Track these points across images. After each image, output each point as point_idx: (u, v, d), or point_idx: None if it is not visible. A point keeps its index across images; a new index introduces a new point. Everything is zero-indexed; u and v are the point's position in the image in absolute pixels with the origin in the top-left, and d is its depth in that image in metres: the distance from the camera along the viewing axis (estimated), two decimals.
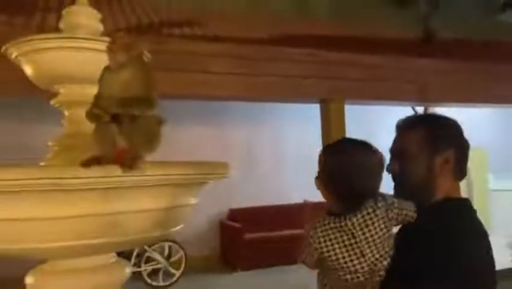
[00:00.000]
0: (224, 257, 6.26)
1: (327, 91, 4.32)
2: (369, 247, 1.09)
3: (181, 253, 5.24)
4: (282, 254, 6.00)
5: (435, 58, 4.92)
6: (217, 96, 4.12)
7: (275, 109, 6.57)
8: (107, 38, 1.32)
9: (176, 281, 5.14)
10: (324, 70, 4.29)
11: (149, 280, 5.00)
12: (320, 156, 1.20)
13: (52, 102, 1.70)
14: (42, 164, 1.61)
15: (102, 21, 1.70)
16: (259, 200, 6.63)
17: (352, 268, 1.09)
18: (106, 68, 1.18)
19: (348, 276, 1.10)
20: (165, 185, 1.45)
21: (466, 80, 5.28)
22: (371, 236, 1.09)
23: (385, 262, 1.10)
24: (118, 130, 1.17)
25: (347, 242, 1.10)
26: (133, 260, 4.91)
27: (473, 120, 7.44)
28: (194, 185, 1.62)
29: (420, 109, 6.79)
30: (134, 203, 1.39)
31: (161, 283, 5.07)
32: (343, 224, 1.12)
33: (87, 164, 1.16)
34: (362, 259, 1.09)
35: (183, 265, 5.19)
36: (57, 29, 1.71)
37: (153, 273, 5.08)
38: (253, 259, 5.83)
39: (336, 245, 1.12)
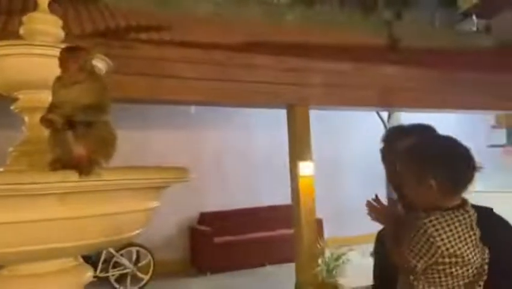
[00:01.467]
0: (194, 261, 6.26)
1: (293, 97, 4.43)
2: (479, 239, 1.11)
3: (149, 257, 5.21)
4: (251, 257, 6.08)
5: (398, 65, 5.10)
6: (186, 101, 4.16)
7: (245, 113, 6.63)
8: (64, 46, 1.34)
9: (144, 286, 5.10)
10: (291, 77, 4.39)
11: (116, 285, 4.96)
12: (427, 154, 1.15)
13: (12, 108, 1.70)
14: (1, 169, 1.61)
15: (64, 27, 1.71)
16: (230, 204, 6.66)
17: (473, 261, 1.09)
18: (60, 78, 1.20)
19: (470, 271, 1.10)
20: (124, 190, 1.48)
21: (427, 87, 5.49)
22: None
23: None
24: (74, 136, 1.20)
25: (467, 235, 1.09)
26: (100, 265, 4.86)
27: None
28: (153, 189, 1.65)
29: (385, 114, 7.02)
30: (92, 208, 1.41)
31: (129, 288, 5.03)
32: (461, 217, 1.10)
33: (53, 166, 1.19)
34: (477, 250, 1.10)
35: (151, 270, 5.16)
36: (18, 34, 1.72)
37: (121, 278, 5.04)
38: (223, 262, 5.85)
39: (462, 238, 1.08)
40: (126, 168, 1.55)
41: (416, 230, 1.09)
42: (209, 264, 5.87)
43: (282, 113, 4.71)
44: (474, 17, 7.95)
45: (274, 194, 6.56)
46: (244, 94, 4.20)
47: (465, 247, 1.08)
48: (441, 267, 1.09)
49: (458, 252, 1.07)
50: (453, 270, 1.09)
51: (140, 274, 5.13)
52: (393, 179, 1.31)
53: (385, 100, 5.00)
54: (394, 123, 6.91)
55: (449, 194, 1.12)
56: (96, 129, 1.21)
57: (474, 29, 8.38)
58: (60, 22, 1.67)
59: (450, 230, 1.08)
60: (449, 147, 1.15)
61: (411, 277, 1.13)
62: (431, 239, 1.07)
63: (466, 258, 1.08)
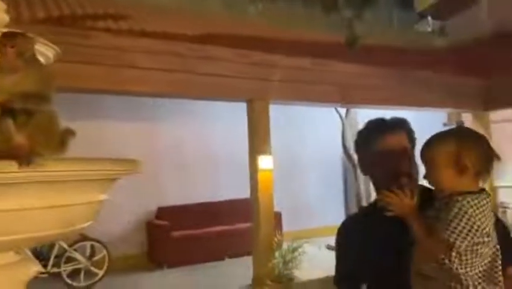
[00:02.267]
0: (152, 256, 6.18)
1: (253, 91, 4.43)
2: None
3: (104, 252, 5.09)
4: (210, 251, 6.06)
5: (356, 63, 5.21)
6: (143, 92, 4.07)
7: (206, 106, 6.58)
8: (7, 30, 1.28)
9: (99, 280, 4.99)
10: (251, 71, 4.40)
11: (69, 281, 4.81)
12: (463, 137, 1.26)
13: None
14: None
15: (12, 12, 1.63)
16: (188, 198, 6.61)
17: (495, 241, 1.19)
18: None
19: (491, 251, 1.19)
20: (70, 181, 1.43)
21: (384, 84, 5.65)
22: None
23: None
24: (15, 125, 1.15)
25: (491, 217, 1.18)
26: (52, 260, 4.70)
27: None
28: (102, 182, 1.61)
29: (343, 111, 7.16)
30: (34, 200, 1.36)
31: (82, 284, 4.90)
32: (487, 199, 1.19)
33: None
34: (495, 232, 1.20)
35: (106, 265, 5.05)
36: None
37: (74, 274, 4.90)
38: (180, 256, 5.81)
39: (489, 219, 1.17)
40: (73, 159, 1.50)
41: (455, 212, 1.16)
42: (166, 258, 5.81)
43: (244, 106, 4.71)
44: (429, 18, 8.23)
45: (233, 188, 6.57)
46: (204, 87, 4.16)
47: (492, 227, 1.18)
48: (475, 247, 1.16)
49: (490, 232, 1.17)
50: (484, 249, 1.18)
51: (94, 269, 5.00)
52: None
53: (344, 97, 5.11)
54: (352, 119, 7.08)
55: (480, 176, 1.22)
56: (38, 118, 1.16)
57: (430, 29, 8.68)
58: (3, 6, 1.59)
59: (483, 211, 1.16)
60: (477, 133, 1.28)
61: (442, 258, 1.18)
62: (472, 219, 1.14)
63: (493, 238, 1.18)
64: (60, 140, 1.29)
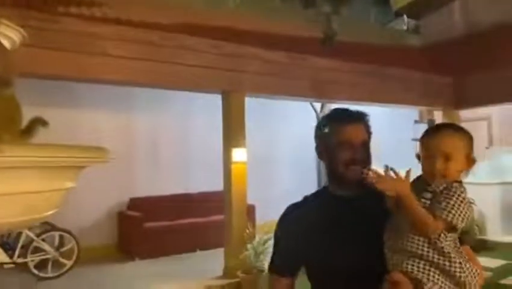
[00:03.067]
0: (123, 247, 6.11)
1: (228, 83, 4.42)
2: None
3: (73, 242, 5.01)
4: (182, 243, 6.05)
5: (331, 58, 5.26)
6: (115, 81, 4.00)
7: (183, 97, 6.53)
8: None
9: (67, 271, 4.91)
10: (227, 62, 4.38)
11: (36, 271, 4.72)
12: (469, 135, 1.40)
13: None
14: None
15: None
16: (162, 189, 6.56)
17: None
18: None
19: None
20: (32, 168, 1.40)
21: (358, 80, 5.73)
22: None
23: None
24: None
25: None
26: (18, 251, 4.60)
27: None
28: (66, 169, 1.58)
29: (318, 105, 7.22)
30: None
31: (50, 274, 4.81)
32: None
33: None
34: None
35: (75, 255, 4.97)
36: None
37: (42, 264, 4.80)
38: (152, 248, 5.78)
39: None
40: (35, 145, 1.48)
41: (456, 197, 1.29)
42: (138, 249, 5.77)
43: (219, 98, 4.70)
44: (405, 17, 8.37)
45: (207, 180, 6.55)
46: (177, 77, 4.13)
47: None
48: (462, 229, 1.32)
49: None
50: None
51: (62, 260, 4.92)
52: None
53: (317, 91, 5.15)
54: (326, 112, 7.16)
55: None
56: None
57: (405, 28, 8.84)
58: None
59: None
60: None
61: (433, 238, 1.28)
62: (468, 206, 1.29)
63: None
64: (26, 127, 1.27)
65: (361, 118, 1.52)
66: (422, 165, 1.40)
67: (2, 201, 1.38)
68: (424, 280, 1.29)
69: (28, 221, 1.53)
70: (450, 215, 1.28)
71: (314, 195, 1.59)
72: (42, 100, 5.72)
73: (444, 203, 1.29)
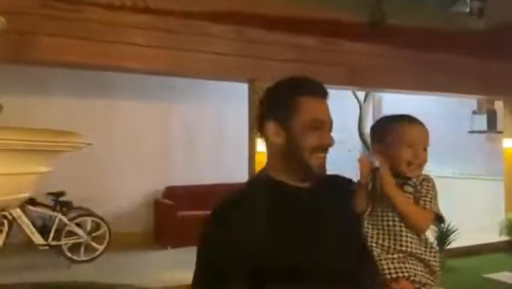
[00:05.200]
0: (157, 235, 6.36)
1: (254, 71, 4.41)
2: None
3: (105, 228, 5.30)
4: None
5: (371, 43, 5.06)
6: (138, 69, 4.14)
7: (218, 86, 6.62)
8: None
9: (98, 256, 5.21)
10: (253, 50, 4.37)
11: (69, 254, 5.06)
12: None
13: None
14: None
15: None
16: (198, 178, 6.73)
17: None
18: None
19: None
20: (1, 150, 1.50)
21: (406, 67, 5.46)
22: None
23: None
24: None
25: None
26: (52, 233, 4.95)
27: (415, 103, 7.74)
28: (37, 153, 1.67)
29: (362, 94, 7.01)
30: None
31: (83, 258, 5.14)
32: None
33: None
34: None
35: (106, 241, 5.26)
36: None
37: (75, 248, 5.14)
38: (185, 236, 5.93)
39: None
40: (4, 128, 1.58)
41: (434, 189, 1.36)
42: (171, 238, 5.97)
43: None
44: None
45: (244, 170, 6.61)
46: (202, 66, 4.18)
47: None
48: None
49: None
50: None
51: (94, 245, 5.23)
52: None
53: (354, 79, 5.00)
54: (370, 103, 6.93)
55: None
56: None
57: (467, 10, 8.29)
58: None
59: None
60: None
61: (401, 229, 1.31)
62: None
63: None
64: None
65: (328, 92, 1.28)
66: (396, 154, 1.37)
67: None
68: (428, 286, 1.29)
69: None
70: (436, 206, 1.35)
71: (254, 186, 1.30)
72: (80, 91, 6.09)
73: (429, 195, 1.34)
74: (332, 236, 1.20)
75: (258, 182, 1.31)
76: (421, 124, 1.43)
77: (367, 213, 1.35)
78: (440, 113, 8.15)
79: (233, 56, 4.28)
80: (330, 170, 1.29)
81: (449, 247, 5.44)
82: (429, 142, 1.42)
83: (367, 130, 6.84)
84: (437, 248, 1.42)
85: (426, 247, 1.32)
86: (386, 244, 1.31)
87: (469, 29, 7.36)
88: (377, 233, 1.32)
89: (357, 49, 4.99)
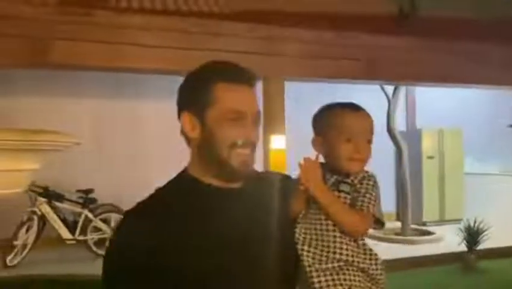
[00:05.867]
0: None
1: (267, 68, 4.45)
2: None
3: None
4: None
5: (391, 35, 4.97)
6: (148, 69, 4.29)
7: None
8: None
9: None
10: (264, 46, 4.42)
11: (95, 249, 5.33)
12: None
13: None
14: None
15: None
16: None
17: None
18: None
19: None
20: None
21: (430, 58, 5.32)
22: None
23: None
24: None
25: None
26: (79, 229, 5.24)
27: (451, 99, 7.51)
28: (28, 151, 1.83)
29: (391, 88, 6.89)
30: None
31: None
32: None
33: None
34: None
35: None
36: None
37: (101, 242, 5.41)
38: None
39: None
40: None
41: (372, 184, 1.22)
42: None
43: None
44: None
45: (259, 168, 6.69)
46: None
47: None
48: None
49: None
50: None
51: None
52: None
53: (373, 72, 4.92)
54: (399, 98, 6.80)
55: None
56: None
57: None
58: None
59: None
60: None
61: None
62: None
63: None
64: None
65: (254, 79, 1.15)
66: (335, 148, 1.21)
67: None
68: None
69: None
70: (378, 207, 1.21)
71: (172, 186, 1.15)
72: (108, 92, 6.37)
73: (368, 195, 1.19)
74: (250, 244, 1.07)
75: (177, 181, 1.17)
76: (364, 113, 1.25)
77: (300, 216, 1.18)
78: (479, 108, 7.88)
79: (244, 53, 4.33)
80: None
81: (482, 247, 5.28)
82: (373, 134, 1.26)
83: (397, 126, 6.73)
84: (377, 254, 1.20)
85: (365, 254, 1.17)
86: (318, 252, 1.13)
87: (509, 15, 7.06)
88: (310, 239, 1.14)
89: (378, 41, 4.90)
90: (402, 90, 7.11)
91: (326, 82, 5.49)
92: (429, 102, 7.70)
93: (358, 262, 1.14)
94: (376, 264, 1.17)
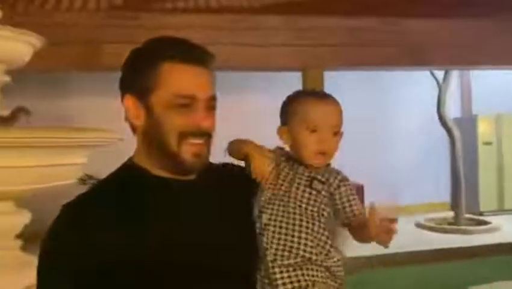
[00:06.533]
0: None
1: (306, 60, 4.51)
2: None
3: None
4: None
5: (434, 18, 4.84)
6: None
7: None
8: None
9: None
10: (303, 38, 4.48)
11: None
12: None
13: None
14: None
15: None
16: None
17: None
18: None
19: None
20: (41, 147, 1.87)
21: (476, 40, 5.09)
22: None
23: None
24: None
25: None
26: None
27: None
28: (73, 148, 2.03)
29: (441, 74, 6.68)
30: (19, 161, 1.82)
31: None
32: None
33: None
34: None
35: None
36: None
37: None
38: None
39: None
40: (44, 127, 1.95)
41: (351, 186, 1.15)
42: None
43: None
44: None
45: None
46: (253, 59, 4.39)
47: None
48: None
49: None
50: None
51: None
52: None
53: (416, 58, 4.83)
54: (450, 83, 6.59)
55: None
56: None
57: None
58: None
59: None
60: None
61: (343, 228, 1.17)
62: None
63: None
64: (10, 114, 1.72)
65: (210, 58, 1.02)
66: (299, 140, 1.14)
67: (17, 172, 1.90)
68: None
69: (40, 189, 2.03)
70: (362, 205, 1.14)
71: (117, 179, 1.04)
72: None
73: (352, 196, 1.13)
74: (202, 246, 0.99)
75: (121, 172, 1.06)
76: (331, 102, 1.16)
77: (264, 204, 1.12)
78: None
79: (284, 46, 4.43)
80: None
81: None
82: (341, 125, 1.17)
83: (449, 113, 6.54)
84: (340, 252, 1.17)
85: (329, 251, 1.12)
86: (281, 247, 1.08)
87: None
88: (273, 233, 1.09)
89: (422, 26, 4.81)
90: (455, 74, 6.89)
91: (367, 71, 5.44)
92: (486, 86, 7.39)
93: (321, 260, 1.10)
94: (338, 262, 1.13)
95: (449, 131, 6.45)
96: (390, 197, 6.75)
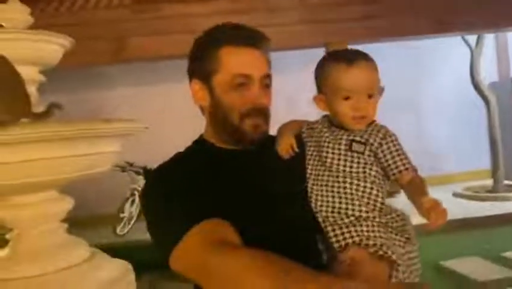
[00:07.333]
0: None
1: (328, 35, 4.53)
2: None
3: None
4: None
5: None
6: None
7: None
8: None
9: None
10: (323, 13, 4.50)
11: None
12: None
13: None
14: None
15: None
16: None
17: None
18: None
19: None
20: (77, 138, 2.04)
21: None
22: None
23: None
24: None
25: None
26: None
27: None
28: (106, 138, 2.19)
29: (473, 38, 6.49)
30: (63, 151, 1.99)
31: None
32: None
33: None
34: None
35: None
36: None
37: None
38: None
39: None
40: (80, 121, 2.13)
41: (398, 141, 1.19)
42: None
43: None
44: None
45: None
46: (275, 38, 4.45)
47: None
48: None
49: None
50: None
51: None
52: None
53: (443, 26, 4.75)
54: (483, 47, 6.42)
55: None
56: None
57: None
58: (27, 9, 2.22)
59: None
60: None
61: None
62: None
63: None
64: (45, 110, 1.89)
65: (266, 39, 1.16)
66: (334, 107, 1.17)
67: (65, 161, 2.07)
68: (385, 247, 1.08)
69: (84, 175, 2.22)
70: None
71: (192, 152, 1.25)
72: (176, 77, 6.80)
73: (396, 152, 1.15)
74: (274, 198, 1.13)
75: (195, 146, 1.28)
76: (361, 63, 1.13)
77: (312, 171, 1.19)
78: None
79: (304, 23, 4.47)
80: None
81: None
82: (376, 86, 1.15)
83: (480, 77, 6.38)
84: (402, 211, 1.18)
85: (381, 209, 1.14)
86: (330, 209, 1.13)
87: None
88: (321, 197, 1.15)
89: None
90: (489, 37, 6.69)
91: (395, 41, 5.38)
92: None
93: (375, 216, 1.11)
94: (396, 217, 1.16)
95: (484, 97, 6.31)
96: (429, 166, 6.72)
